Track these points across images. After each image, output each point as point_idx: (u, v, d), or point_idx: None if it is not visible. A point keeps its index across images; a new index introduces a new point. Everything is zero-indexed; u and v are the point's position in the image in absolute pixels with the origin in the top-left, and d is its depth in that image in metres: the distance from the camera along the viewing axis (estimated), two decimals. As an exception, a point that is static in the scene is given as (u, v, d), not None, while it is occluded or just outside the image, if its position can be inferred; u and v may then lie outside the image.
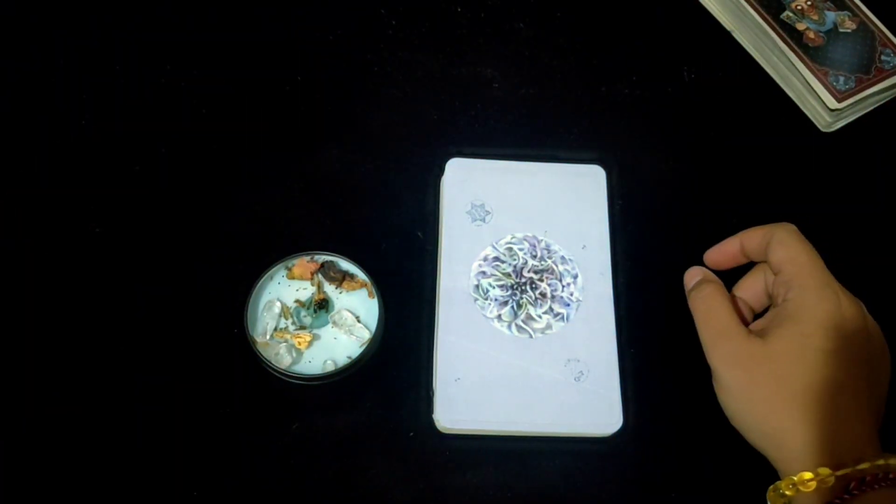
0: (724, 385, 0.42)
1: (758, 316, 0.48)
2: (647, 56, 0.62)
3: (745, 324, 0.45)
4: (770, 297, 0.46)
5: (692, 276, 0.48)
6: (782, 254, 0.43)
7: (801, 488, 0.38)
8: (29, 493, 0.45)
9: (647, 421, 0.48)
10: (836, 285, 0.43)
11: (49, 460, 0.45)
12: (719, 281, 0.47)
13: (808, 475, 0.38)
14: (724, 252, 0.48)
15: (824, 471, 0.37)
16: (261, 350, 0.46)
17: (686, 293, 0.47)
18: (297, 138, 0.56)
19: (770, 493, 0.40)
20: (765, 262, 0.46)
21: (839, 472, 0.37)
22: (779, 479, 0.41)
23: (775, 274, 0.44)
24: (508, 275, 0.51)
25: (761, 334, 0.42)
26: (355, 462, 0.46)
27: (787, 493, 0.39)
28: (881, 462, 0.37)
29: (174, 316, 0.49)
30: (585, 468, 0.47)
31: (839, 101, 0.56)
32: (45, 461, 0.45)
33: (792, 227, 0.45)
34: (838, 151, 0.59)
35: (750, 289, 0.47)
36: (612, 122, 0.59)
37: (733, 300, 0.46)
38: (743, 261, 0.48)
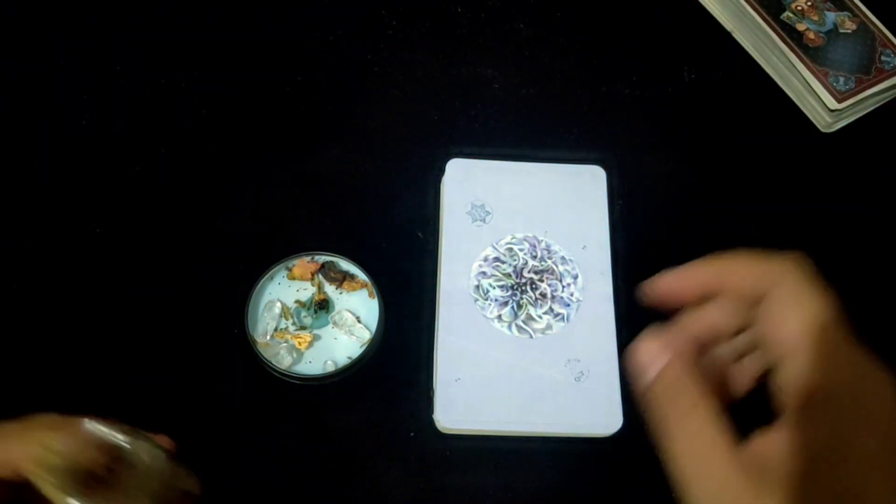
0: None
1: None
2: (647, 56, 0.62)
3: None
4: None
5: (653, 354, 0.29)
6: (780, 325, 0.28)
7: None
8: (29, 493, 0.45)
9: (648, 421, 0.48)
10: (863, 361, 0.27)
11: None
12: (698, 372, 0.29)
13: None
14: (689, 283, 0.31)
15: None
16: (261, 350, 0.46)
17: (642, 381, 0.30)
18: (297, 138, 0.56)
19: None
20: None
21: None
22: None
23: (770, 342, 0.28)
24: (508, 275, 0.51)
25: (759, 458, 0.27)
26: (355, 462, 0.46)
27: None
28: None
29: (174, 316, 0.49)
30: (585, 468, 0.47)
31: (839, 101, 0.56)
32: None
33: (799, 273, 0.28)
34: (838, 151, 0.59)
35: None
36: (612, 122, 0.59)
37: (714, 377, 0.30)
38: (706, 298, 0.31)
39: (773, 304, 0.28)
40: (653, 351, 0.30)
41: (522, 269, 0.51)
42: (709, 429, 0.27)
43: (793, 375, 0.27)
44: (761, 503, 0.25)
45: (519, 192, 0.53)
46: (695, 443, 0.28)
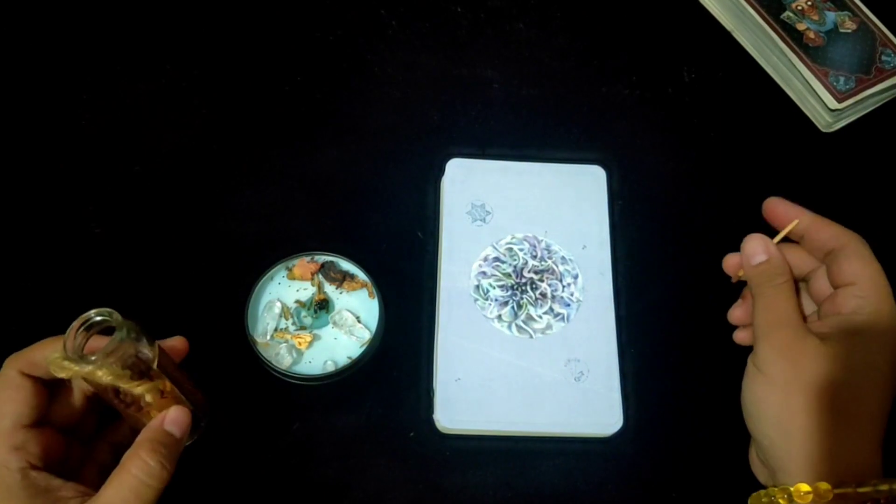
0: (768, 374, 0.40)
1: None
2: (647, 56, 0.62)
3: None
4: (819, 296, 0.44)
5: (756, 249, 0.43)
6: (861, 268, 0.41)
7: (796, 499, 0.37)
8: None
9: (647, 421, 0.48)
10: None
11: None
12: (788, 267, 0.43)
13: (805, 487, 0.36)
14: (789, 214, 0.44)
15: (823, 485, 0.36)
16: (261, 350, 0.46)
17: (745, 264, 0.43)
18: (297, 138, 0.56)
19: (753, 498, 0.40)
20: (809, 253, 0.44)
21: (838, 490, 0.36)
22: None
23: (846, 284, 0.41)
24: (509, 275, 0.51)
25: (820, 336, 0.40)
26: (355, 462, 0.46)
27: (781, 501, 0.38)
28: (885, 487, 0.36)
29: (174, 316, 0.49)
30: (585, 468, 0.47)
31: (839, 101, 0.56)
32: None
33: (867, 246, 0.42)
34: (838, 151, 0.59)
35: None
36: (612, 122, 0.59)
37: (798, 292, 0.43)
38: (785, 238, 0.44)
39: (850, 253, 0.41)
40: (765, 244, 0.43)
41: (522, 268, 0.51)
42: (789, 298, 0.41)
43: (854, 293, 0.41)
44: (808, 347, 0.39)
45: (519, 192, 0.54)
46: (776, 303, 0.41)
